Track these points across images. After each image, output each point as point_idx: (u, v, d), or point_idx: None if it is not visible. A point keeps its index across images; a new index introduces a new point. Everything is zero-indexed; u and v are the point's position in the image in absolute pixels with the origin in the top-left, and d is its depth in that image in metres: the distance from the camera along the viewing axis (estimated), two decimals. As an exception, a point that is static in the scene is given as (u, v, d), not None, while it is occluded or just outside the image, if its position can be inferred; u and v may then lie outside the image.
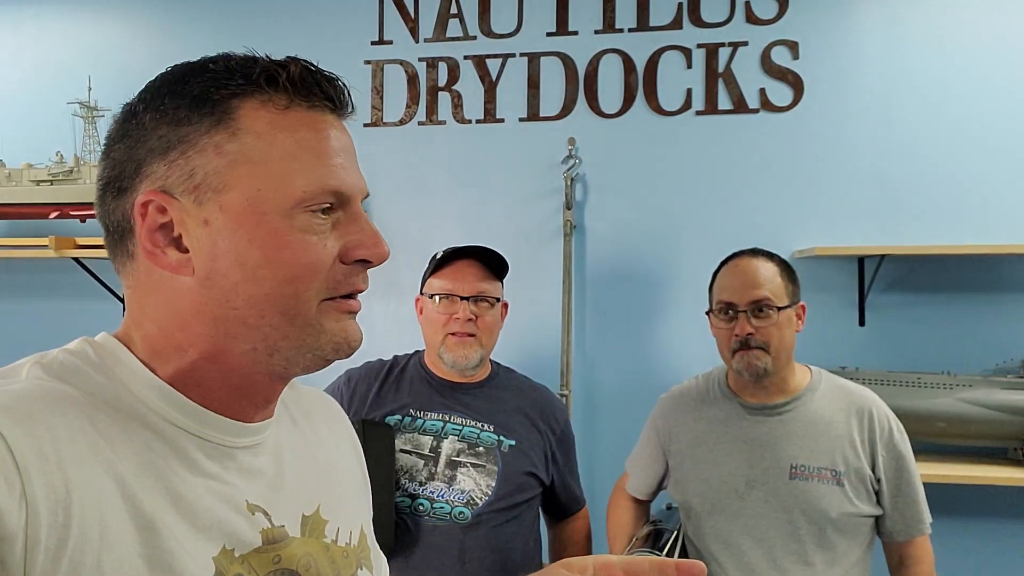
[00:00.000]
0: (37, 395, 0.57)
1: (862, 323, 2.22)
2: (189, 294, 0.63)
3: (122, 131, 0.65)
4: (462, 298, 1.70)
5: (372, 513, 0.85)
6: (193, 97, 0.63)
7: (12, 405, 0.55)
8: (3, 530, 0.49)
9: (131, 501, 0.56)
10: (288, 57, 0.65)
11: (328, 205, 0.64)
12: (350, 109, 0.69)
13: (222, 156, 0.62)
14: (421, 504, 1.64)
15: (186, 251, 0.62)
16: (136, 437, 0.60)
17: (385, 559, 0.90)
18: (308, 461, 0.75)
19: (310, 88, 0.65)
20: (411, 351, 1.88)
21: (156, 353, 0.64)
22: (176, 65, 0.66)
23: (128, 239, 0.65)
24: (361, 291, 0.67)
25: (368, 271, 0.68)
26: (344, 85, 0.68)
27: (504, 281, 1.80)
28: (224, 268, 0.62)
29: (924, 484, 1.63)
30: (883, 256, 2.10)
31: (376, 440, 1.65)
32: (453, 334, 1.70)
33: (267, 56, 0.65)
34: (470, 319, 1.69)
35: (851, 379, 1.75)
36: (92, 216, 2.44)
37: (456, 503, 1.64)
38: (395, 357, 1.86)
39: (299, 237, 0.63)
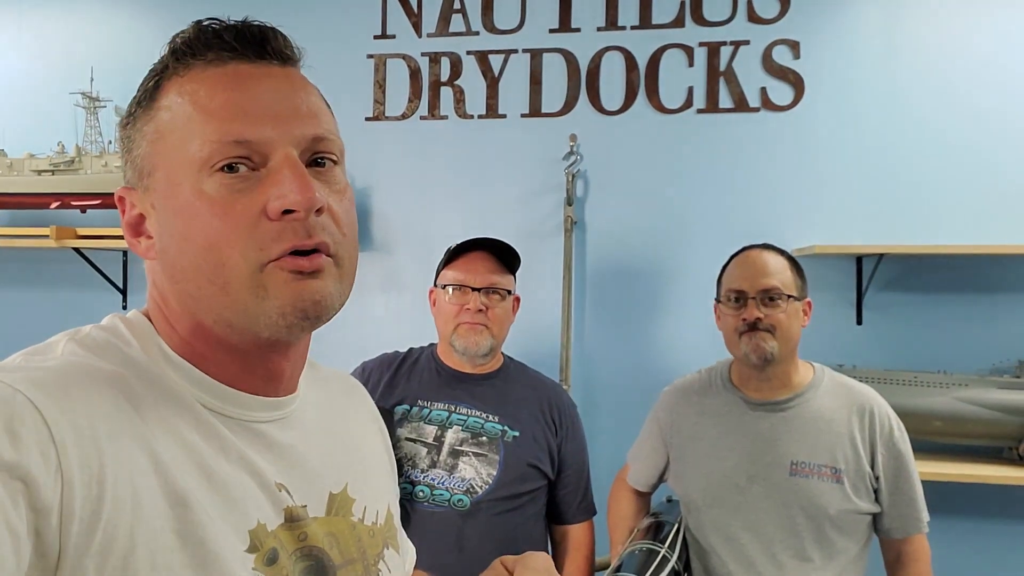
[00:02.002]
0: (72, 371, 0.57)
1: (860, 322, 2.23)
2: (159, 276, 0.66)
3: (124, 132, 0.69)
4: (474, 289, 1.73)
5: (399, 494, 0.85)
6: (143, 91, 0.65)
7: (48, 380, 0.55)
8: (39, 502, 0.50)
9: (164, 476, 0.57)
10: (195, 23, 0.64)
11: (236, 162, 0.60)
12: (271, 52, 0.64)
13: (146, 139, 0.64)
14: (421, 491, 1.66)
15: (150, 237, 0.65)
16: (168, 412, 0.60)
17: (413, 546, 0.90)
18: (335, 440, 0.75)
19: (207, 44, 0.63)
20: (423, 344, 1.90)
21: (164, 333, 0.66)
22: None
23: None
24: (303, 246, 0.60)
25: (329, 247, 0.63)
26: (260, 28, 0.64)
27: (516, 276, 1.82)
28: (165, 246, 0.63)
29: (920, 482, 1.64)
30: (881, 255, 2.11)
31: None
32: (465, 323, 1.72)
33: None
34: (481, 310, 1.71)
35: (848, 377, 1.76)
36: (93, 206, 2.44)
37: (456, 491, 1.65)
38: (410, 349, 1.88)
39: (208, 201, 0.60)
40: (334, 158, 0.66)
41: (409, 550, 0.87)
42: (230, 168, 0.60)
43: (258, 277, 0.60)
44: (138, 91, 0.65)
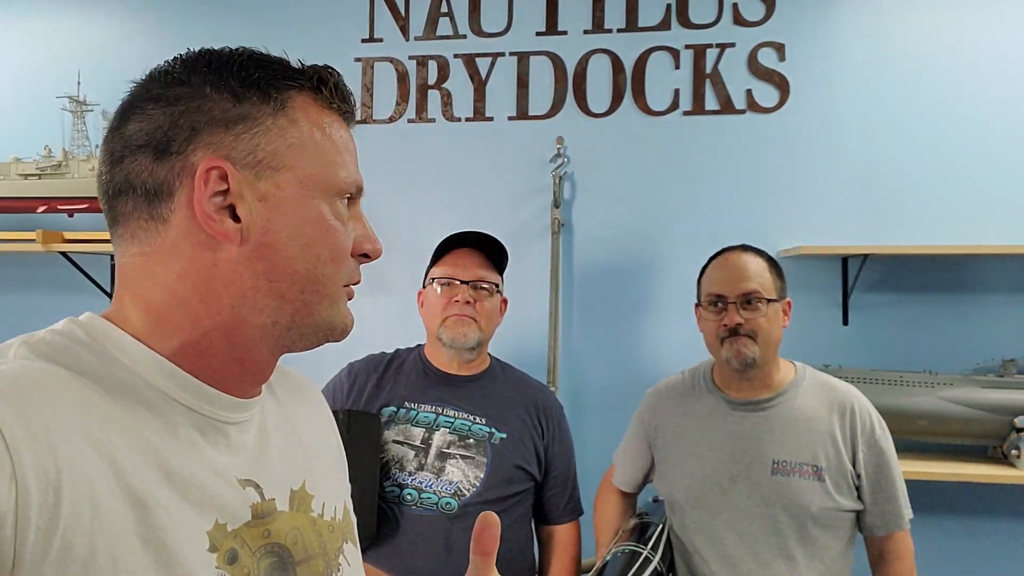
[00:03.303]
0: (25, 376, 0.57)
1: (846, 322, 2.24)
2: (228, 264, 0.64)
3: (164, 94, 0.65)
4: (462, 282, 1.73)
5: (350, 491, 0.87)
6: (257, 82, 0.66)
7: (1, 386, 0.54)
8: None
9: (123, 479, 0.56)
10: (326, 66, 0.72)
11: (350, 197, 0.71)
12: (350, 114, 0.75)
13: (283, 138, 0.66)
14: (409, 494, 1.66)
15: (238, 221, 0.64)
16: (127, 414, 0.60)
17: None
18: (292, 438, 0.76)
19: (343, 96, 0.72)
20: (410, 346, 1.90)
21: (160, 325, 0.64)
22: (222, 50, 0.68)
23: (165, 202, 0.64)
24: (358, 283, 0.73)
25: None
26: (350, 93, 0.75)
27: (504, 276, 1.83)
28: (278, 242, 0.66)
29: (905, 481, 1.65)
30: (866, 256, 2.13)
31: (361, 430, 1.67)
32: (452, 315, 1.72)
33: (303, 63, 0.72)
34: (468, 302, 1.72)
35: (834, 377, 1.77)
36: (80, 210, 2.44)
37: (443, 493, 1.65)
38: (397, 350, 1.88)
39: (337, 222, 0.69)
40: None
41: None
42: (347, 200, 0.71)
43: (341, 292, 0.71)
44: (243, 71, 0.66)
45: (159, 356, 0.64)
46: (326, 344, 0.72)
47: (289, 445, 0.75)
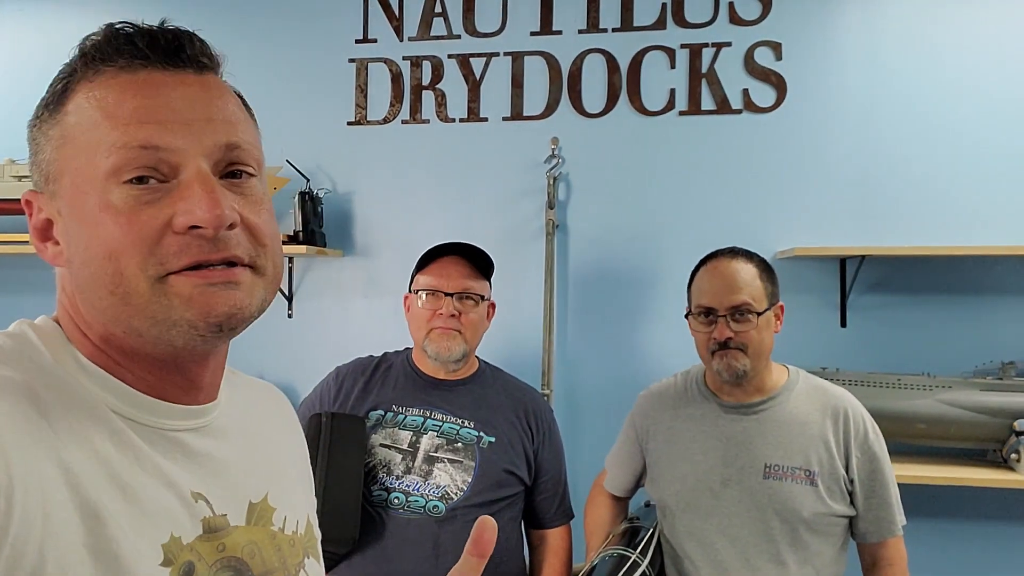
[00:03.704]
0: None
1: (843, 324, 2.22)
2: (69, 283, 0.64)
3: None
4: (447, 294, 1.71)
5: (317, 505, 0.85)
6: (47, 97, 0.63)
7: None
8: None
9: (75, 489, 0.55)
10: (107, 23, 0.62)
11: (145, 174, 0.59)
12: (186, 58, 0.62)
13: (51, 144, 0.62)
14: (396, 497, 1.64)
15: (58, 243, 0.63)
16: (79, 422, 0.58)
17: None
18: (255, 449, 0.74)
19: (119, 49, 0.61)
20: (399, 349, 1.88)
21: (76, 340, 0.64)
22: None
23: None
24: (208, 261, 0.60)
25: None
26: (175, 33, 0.62)
27: (491, 281, 1.81)
28: (71, 254, 0.62)
29: (903, 485, 1.63)
30: (864, 257, 2.10)
31: (344, 433, 1.65)
32: (437, 328, 1.70)
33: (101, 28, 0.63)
34: (453, 315, 1.70)
35: (832, 380, 1.75)
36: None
37: (431, 497, 1.64)
38: (385, 354, 1.87)
39: (112, 212, 0.58)
40: (251, 170, 0.64)
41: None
42: (139, 180, 0.59)
43: (159, 287, 0.59)
44: (46, 93, 0.63)
45: (95, 366, 0.63)
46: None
47: (251, 455, 0.73)
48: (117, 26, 0.62)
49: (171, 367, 0.65)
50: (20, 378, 0.58)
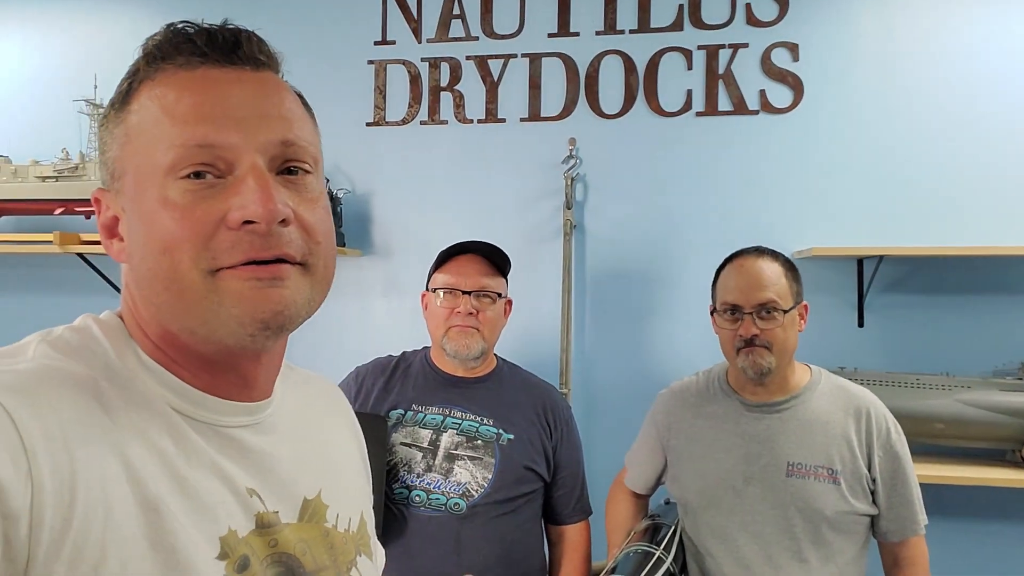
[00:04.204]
0: (44, 374, 0.57)
1: (861, 324, 2.22)
2: (131, 280, 0.65)
3: None
4: (464, 292, 1.72)
5: (373, 500, 0.85)
6: (113, 97, 0.65)
7: (20, 385, 0.54)
8: (8, 509, 0.49)
9: (136, 482, 0.56)
10: (172, 24, 0.63)
11: (202, 169, 0.59)
12: (244, 56, 0.63)
13: (116, 142, 0.63)
14: (418, 495, 1.66)
15: (122, 239, 0.64)
16: (140, 417, 0.59)
17: (382, 548, 0.90)
18: (310, 445, 0.74)
19: (178, 47, 0.62)
20: (418, 348, 1.90)
21: (137, 336, 0.65)
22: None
23: None
24: (259, 258, 0.59)
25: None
26: (233, 31, 0.63)
27: (508, 278, 1.82)
28: (132, 250, 0.63)
29: (922, 485, 1.63)
30: (882, 257, 2.10)
31: (365, 432, 1.66)
32: (455, 326, 1.72)
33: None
34: (471, 313, 1.71)
35: (850, 380, 1.75)
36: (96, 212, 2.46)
37: (452, 494, 1.65)
38: (404, 353, 1.88)
39: (169, 207, 0.59)
40: (307, 167, 0.64)
41: (380, 554, 0.86)
42: (196, 175, 0.59)
43: (211, 283, 0.59)
44: (114, 93, 0.65)
45: (155, 363, 0.64)
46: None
47: (306, 452, 0.73)
48: (178, 25, 0.63)
49: (225, 366, 0.65)
50: (84, 372, 0.59)
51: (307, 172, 0.64)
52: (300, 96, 0.69)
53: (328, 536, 0.71)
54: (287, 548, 0.65)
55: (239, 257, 0.59)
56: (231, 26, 0.64)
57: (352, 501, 0.77)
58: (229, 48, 0.63)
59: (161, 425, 0.60)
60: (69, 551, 0.51)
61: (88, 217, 2.51)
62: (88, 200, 2.41)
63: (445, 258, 1.78)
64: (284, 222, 0.60)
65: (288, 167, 0.63)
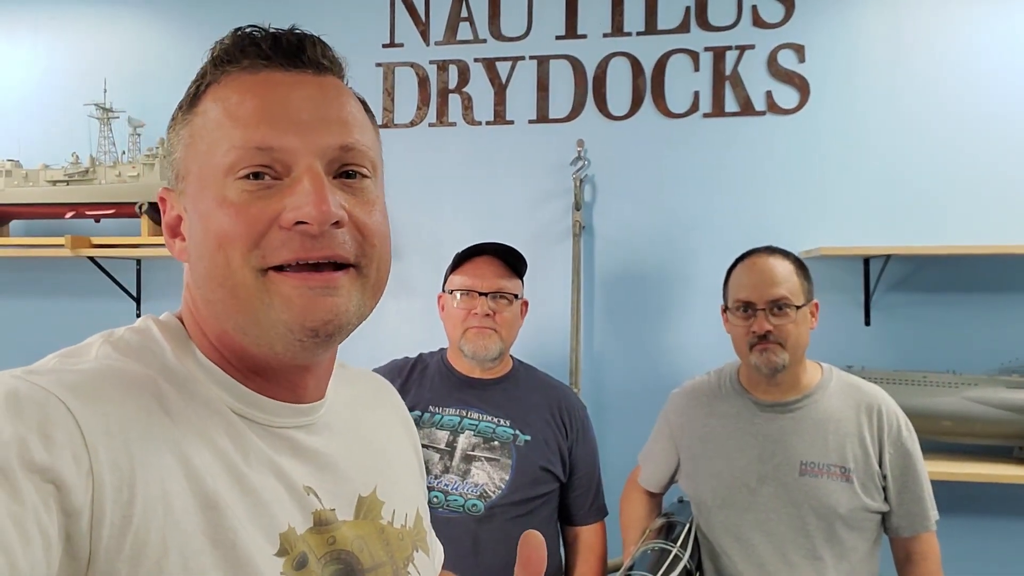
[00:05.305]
0: (105, 374, 0.58)
1: (868, 323, 2.24)
2: (191, 279, 0.67)
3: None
4: (481, 294, 1.74)
5: (427, 496, 0.85)
6: (182, 100, 0.67)
7: (82, 384, 0.55)
8: (70, 505, 0.50)
9: (194, 480, 0.57)
10: (238, 29, 0.64)
11: (260, 170, 0.61)
12: (307, 60, 0.64)
13: (181, 143, 0.65)
14: (435, 497, 1.67)
15: (184, 239, 0.66)
16: (198, 416, 0.60)
17: (441, 546, 0.89)
18: (364, 442, 0.75)
19: (244, 51, 0.63)
20: (433, 349, 1.91)
21: (195, 336, 0.67)
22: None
23: None
24: (309, 258, 0.60)
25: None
26: (298, 36, 0.64)
27: (524, 279, 1.83)
28: (192, 250, 0.64)
29: (930, 482, 1.65)
30: (889, 256, 2.12)
31: None
32: (473, 327, 1.73)
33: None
34: (488, 314, 1.73)
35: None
36: (107, 215, 2.48)
37: (469, 496, 1.67)
38: (420, 355, 1.90)
39: (227, 206, 0.60)
40: (365, 171, 0.65)
41: (438, 551, 0.87)
42: (255, 176, 0.61)
43: (261, 283, 0.60)
44: (183, 97, 0.67)
45: (212, 364, 0.65)
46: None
47: (359, 450, 0.74)
48: (245, 29, 0.64)
49: (276, 371, 0.66)
50: (144, 372, 0.60)
51: (365, 176, 0.65)
52: (363, 101, 0.69)
53: (383, 532, 0.71)
54: (345, 545, 0.66)
55: (287, 256, 0.60)
56: (297, 31, 0.65)
57: (407, 497, 0.78)
58: (293, 52, 0.64)
59: (219, 424, 0.62)
60: (130, 547, 0.52)
61: (98, 220, 2.52)
62: (99, 204, 2.45)
63: (462, 260, 1.80)
64: (338, 224, 0.61)
65: (346, 171, 0.64)
